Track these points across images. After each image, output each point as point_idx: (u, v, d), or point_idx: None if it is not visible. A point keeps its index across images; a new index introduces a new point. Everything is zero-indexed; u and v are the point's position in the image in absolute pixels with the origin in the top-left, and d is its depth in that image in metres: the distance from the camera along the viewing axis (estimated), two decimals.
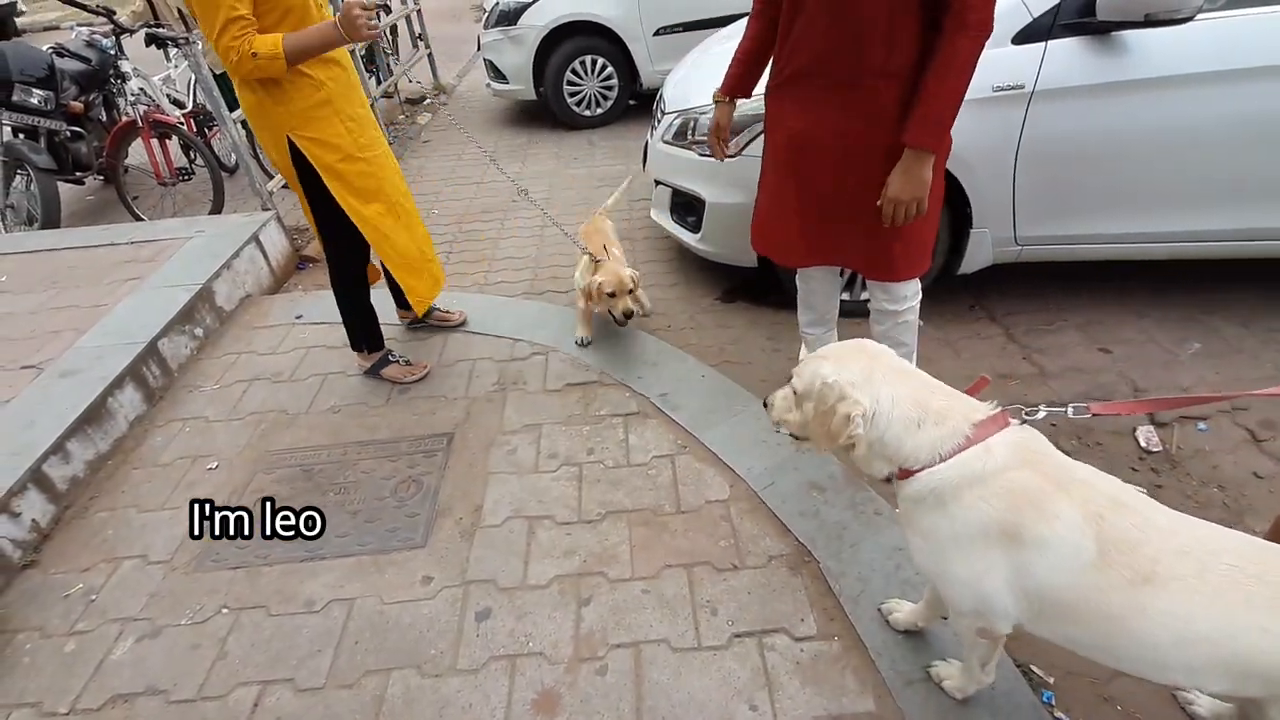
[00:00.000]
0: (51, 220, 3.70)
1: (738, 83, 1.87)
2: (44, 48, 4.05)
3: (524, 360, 2.50)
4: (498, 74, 5.24)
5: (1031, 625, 1.09)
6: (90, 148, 4.09)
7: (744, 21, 1.90)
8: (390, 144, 5.07)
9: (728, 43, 2.67)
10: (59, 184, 3.90)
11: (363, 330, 2.39)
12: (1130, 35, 2.14)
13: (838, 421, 1.10)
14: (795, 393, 1.21)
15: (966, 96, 1.60)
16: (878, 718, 1.36)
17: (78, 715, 1.48)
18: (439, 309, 2.73)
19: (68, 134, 3.99)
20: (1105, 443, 2.15)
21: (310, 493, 1.99)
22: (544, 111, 5.36)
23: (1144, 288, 2.72)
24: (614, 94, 5.17)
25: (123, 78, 4.16)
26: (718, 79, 1.96)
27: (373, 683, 1.49)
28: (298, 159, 1.99)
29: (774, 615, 1.57)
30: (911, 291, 1.87)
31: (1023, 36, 2.22)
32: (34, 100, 3.80)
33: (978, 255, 2.55)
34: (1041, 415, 1.11)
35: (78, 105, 3.99)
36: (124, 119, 3.95)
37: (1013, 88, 2.23)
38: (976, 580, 1.08)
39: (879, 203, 1.63)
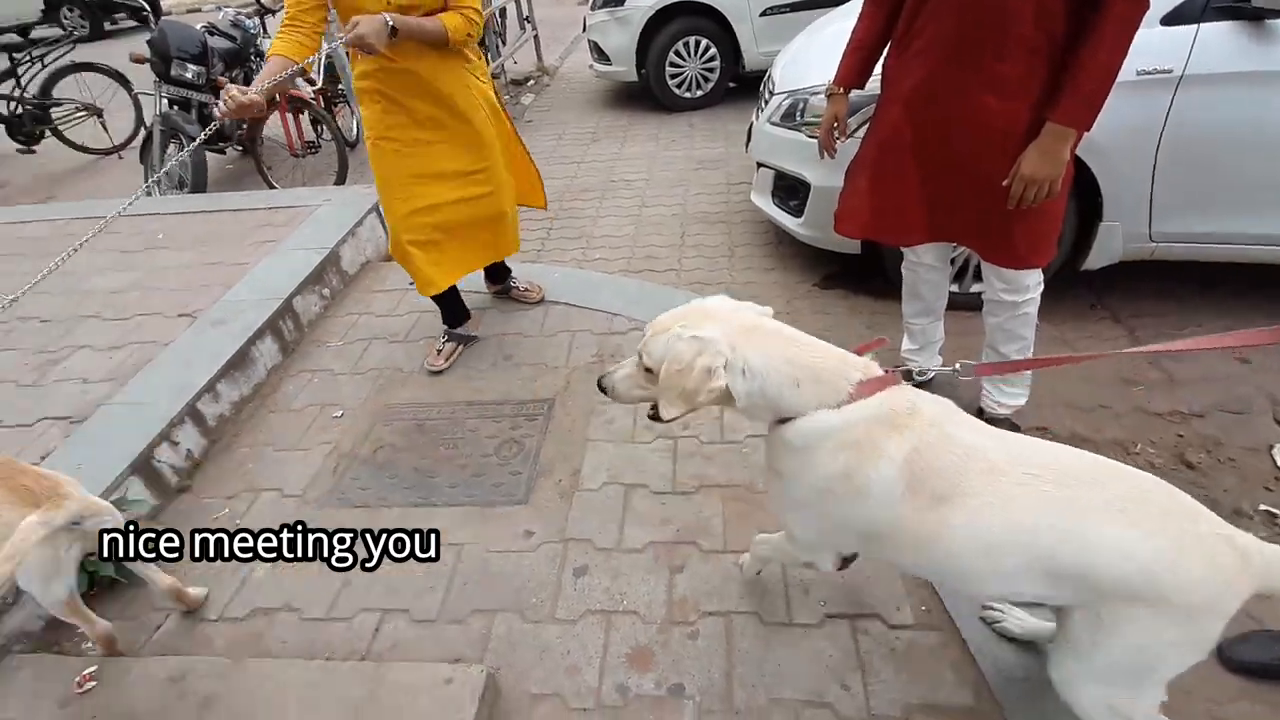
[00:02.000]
0: (199, 185, 4.08)
1: (853, 73, 1.82)
2: (196, 26, 4.43)
3: (622, 335, 2.56)
4: (601, 55, 5.31)
5: (864, 553, 1.24)
6: (233, 121, 4.46)
7: (857, 2, 1.85)
8: None
9: (842, 21, 2.60)
10: (206, 153, 4.28)
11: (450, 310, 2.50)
12: None
13: (697, 376, 1.07)
14: (644, 366, 1.17)
15: None
16: (976, 712, 1.34)
17: (225, 623, 1.67)
18: (516, 286, 2.79)
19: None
20: (1238, 459, 1.99)
21: (423, 445, 2.14)
22: (644, 93, 5.40)
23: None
24: (715, 76, 5.14)
25: (263, 56, 4.50)
26: (830, 59, 1.92)
27: (479, 622, 1.60)
28: None
29: (868, 601, 1.57)
30: (1034, 281, 1.79)
31: (1173, 18, 2.07)
32: (188, 75, 4.19)
33: (1106, 250, 2.40)
34: (930, 376, 1.19)
35: (224, 80, 4.35)
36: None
37: (1160, 72, 2.08)
38: (820, 524, 1.19)
39: (1006, 181, 1.57)
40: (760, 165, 3.06)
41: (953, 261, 2.30)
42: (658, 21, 4.92)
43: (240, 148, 4.68)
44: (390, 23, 1.88)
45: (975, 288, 2.52)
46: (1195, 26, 2.06)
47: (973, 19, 1.49)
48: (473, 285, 2.71)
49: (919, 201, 1.75)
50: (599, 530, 1.80)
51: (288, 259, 2.89)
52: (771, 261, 3.17)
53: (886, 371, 1.12)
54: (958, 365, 1.24)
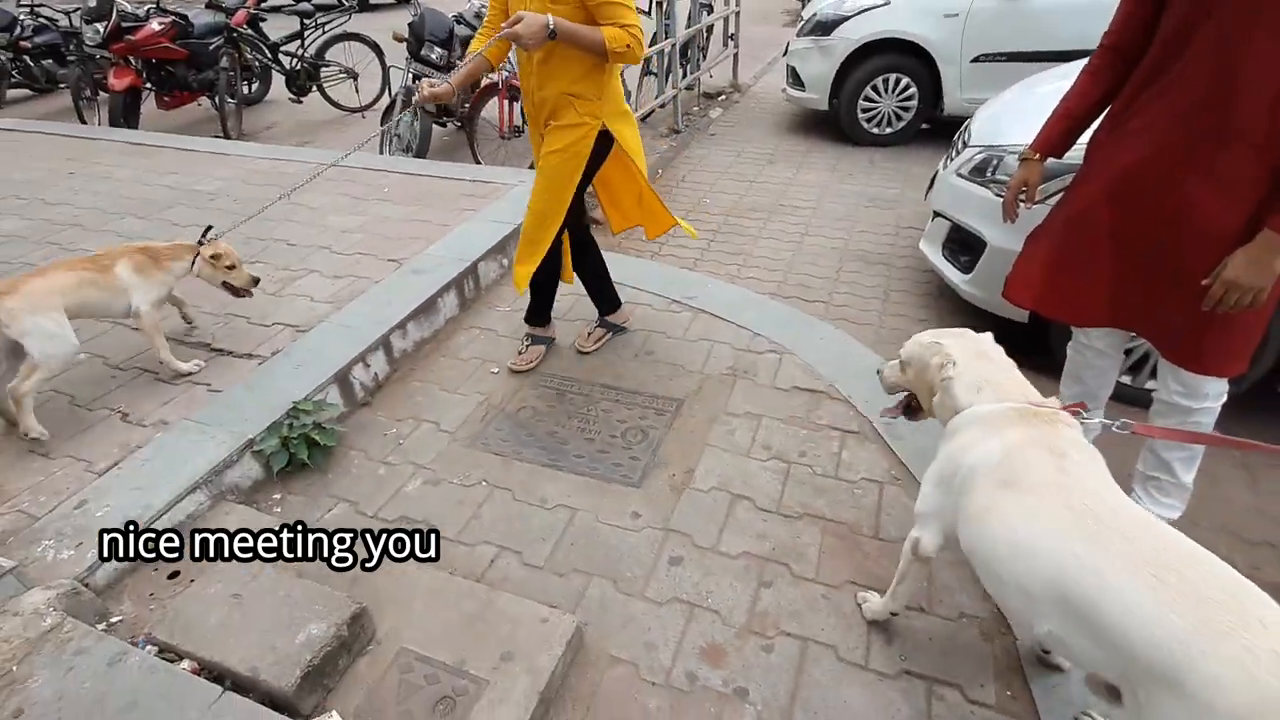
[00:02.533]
0: (422, 151, 4.70)
1: (1054, 141, 1.75)
2: (449, 15, 5.08)
3: (759, 354, 2.65)
4: (797, 81, 5.37)
5: (950, 525, 1.34)
6: (458, 99, 5.07)
7: (1077, 65, 1.78)
8: (681, 132, 5.50)
9: (1057, 82, 2.48)
10: (432, 125, 4.91)
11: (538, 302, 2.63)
12: None
13: (932, 370, 1.45)
14: (901, 361, 1.58)
15: None
16: None
17: (378, 521, 1.98)
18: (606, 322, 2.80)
19: None
20: None
21: (560, 414, 2.37)
22: (828, 122, 5.39)
23: None
24: (909, 115, 5.02)
25: None
26: (1035, 120, 1.87)
27: (578, 580, 1.78)
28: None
29: (951, 669, 1.55)
30: (1215, 391, 1.65)
31: None
32: (434, 56, 4.82)
33: None
34: (1094, 423, 1.33)
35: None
36: (488, 81, 4.83)
37: None
38: (938, 490, 1.38)
39: (1206, 281, 1.47)
40: (936, 214, 2.99)
41: (1129, 353, 2.15)
42: (861, 54, 4.90)
43: (459, 124, 5.30)
44: (551, 25, 1.91)
45: (1150, 384, 2.32)
46: None
47: (1198, 105, 1.41)
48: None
49: (1104, 285, 1.67)
50: (700, 528, 1.91)
51: (480, 227, 3.28)
52: (926, 314, 3.09)
53: (1061, 406, 1.31)
54: (1119, 422, 1.33)
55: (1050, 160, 1.83)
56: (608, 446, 2.22)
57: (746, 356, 2.64)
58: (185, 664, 1.41)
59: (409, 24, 4.88)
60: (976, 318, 2.91)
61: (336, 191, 3.88)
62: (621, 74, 5.25)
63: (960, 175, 2.82)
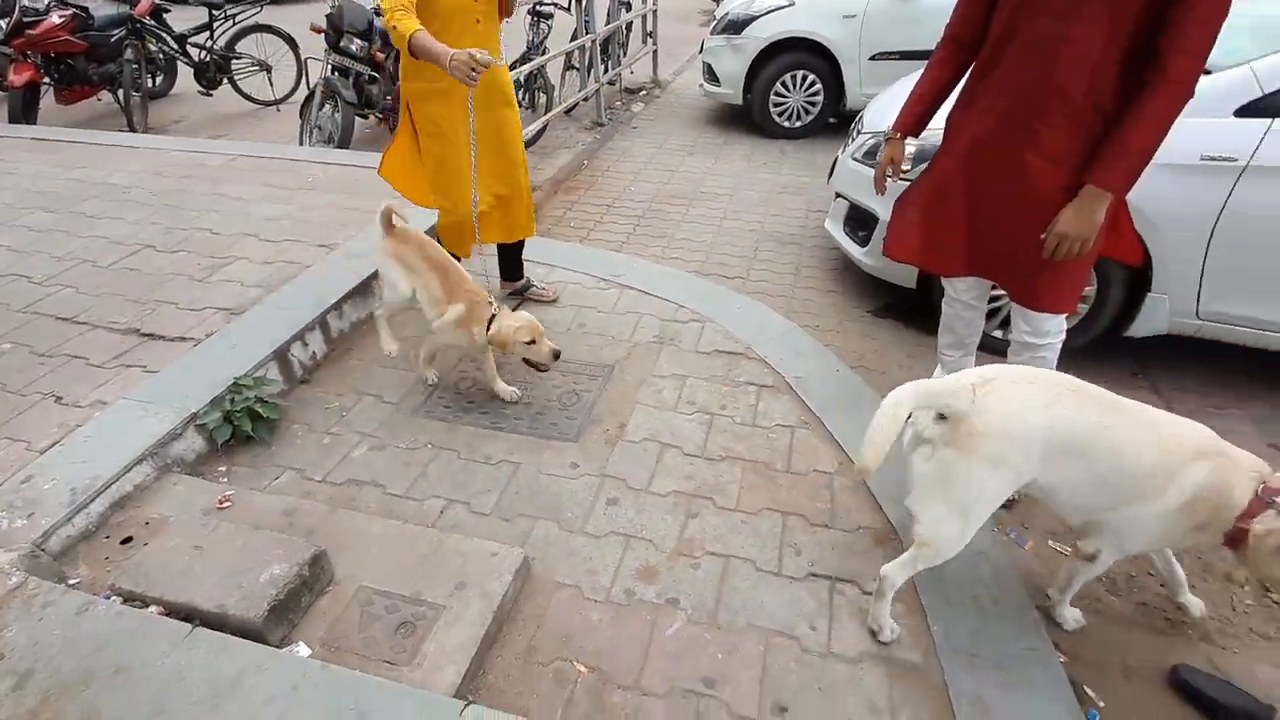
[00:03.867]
0: (345, 143, 4.69)
1: (911, 122, 2.02)
2: (368, 5, 5.08)
3: (683, 324, 2.87)
4: (712, 77, 5.66)
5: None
6: (380, 91, 5.07)
7: None
8: (605, 125, 5.68)
9: None
10: (355, 116, 4.90)
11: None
12: None
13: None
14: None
15: (1171, 160, 1.63)
16: (919, 669, 1.57)
17: (327, 485, 2.08)
18: (536, 285, 3.05)
19: (368, 78, 4.99)
20: None
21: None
22: (744, 116, 5.71)
23: None
24: (817, 109, 5.39)
25: None
26: None
27: (524, 522, 1.94)
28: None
29: (850, 569, 1.81)
30: (1054, 328, 1.98)
31: (1247, 111, 2.20)
32: (354, 47, 4.81)
33: (1151, 320, 2.53)
34: None
35: (380, 56, 4.97)
36: None
37: (1224, 159, 2.21)
38: None
39: (1044, 235, 1.77)
40: (838, 195, 3.31)
41: (994, 313, 2.49)
42: (770, 52, 5.23)
43: (380, 116, 5.29)
44: None
45: (997, 332, 2.69)
46: (1269, 121, 2.19)
47: (1027, 87, 1.72)
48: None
49: (962, 240, 1.98)
50: (632, 473, 2.11)
51: (416, 211, 3.35)
52: (833, 285, 3.41)
53: None
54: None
55: (926, 140, 2.12)
56: (545, 409, 2.38)
57: (671, 326, 2.86)
58: (152, 609, 1.48)
59: (327, 15, 4.85)
60: (874, 287, 3.25)
61: (260, 182, 3.85)
62: (544, 68, 5.35)
63: (855, 159, 3.14)
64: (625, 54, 6.91)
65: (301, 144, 4.81)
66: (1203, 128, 2.21)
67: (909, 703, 1.50)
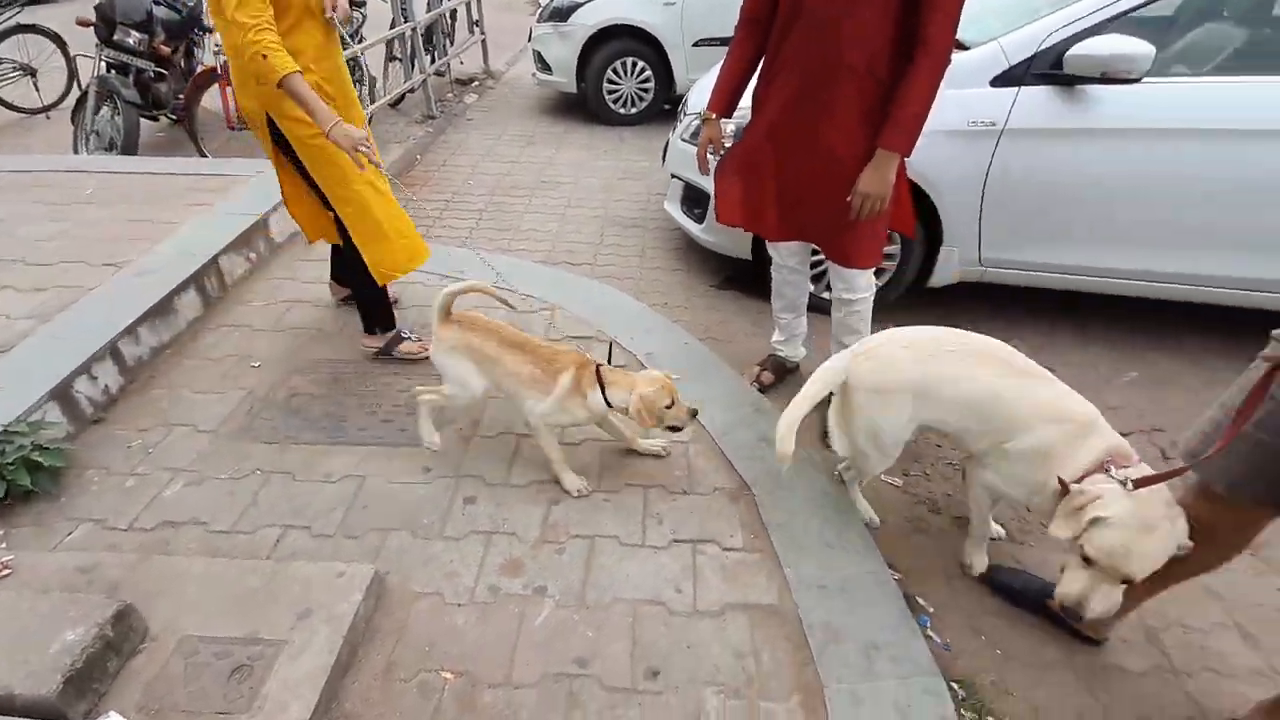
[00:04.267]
0: (130, 148, 4.11)
1: (722, 102, 2.11)
2: None
3: (533, 313, 2.83)
4: (544, 65, 5.61)
5: None
6: (169, 89, 4.50)
7: None
8: (436, 118, 5.46)
9: None
10: (139, 118, 4.31)
11: (385, 309, 2.52)
12: (1092, 89, 2.44)
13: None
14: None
15: (945, 126, 1.83)
16: (776, 609, 1.67)
17: (134, 532, 1.82)
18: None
19: (152, 74, 4.41)
20: None
21: (337, 394, 2.33)
22: (582, 105, 5.72)
23: (1099, 319, 3.00)
24: (649, 96, 5.52)
25: (206, 30, 4.56)
26: None
27: (374, 537, 1.82)
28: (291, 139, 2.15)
29: (709, 530, 1.88)
30: (865, 283, 2.17)
31: (1000, 80, 2.53)
32: (130, 41, 4.22)
33: (945, 271, 2.85)
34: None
35: (165, 49, 4.41)
36: (205, 67, 4.36)
37: (986, 124, 2.53)
38: None
39: (849, 198, 1.93)
40: (673, 176, 3.41)
41: (815, 268, 2.68)
42: (599, 39, 5.27)
43: (174, 117, 4.71)
44: None
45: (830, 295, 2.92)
46: (1017, 89, 2.54)
47: (817, 61, 1.86)
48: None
49: (777, 205, 2.11)
50: (490, 469, 2.05)
51: (217, 221, 3.03)
52: (677, 264, 3.52)
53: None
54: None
55: (742, 118, 2.21)
56: (391, 416, 2.25)
57: (521, 317, 2.81)
58: None
59: (95, 6, 4.22)
60: (715, 262, 3.40)
61: (25, 200, 3.29)
62: (362, 59, 5.02)
63: (684, 140, 3.25)
64: (452, 43, 6.66)
65: (77, 152, 4.18)
66: (967, 97, 2.52)
67: (769, 642, 1.59)
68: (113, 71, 4.24)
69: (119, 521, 1.85)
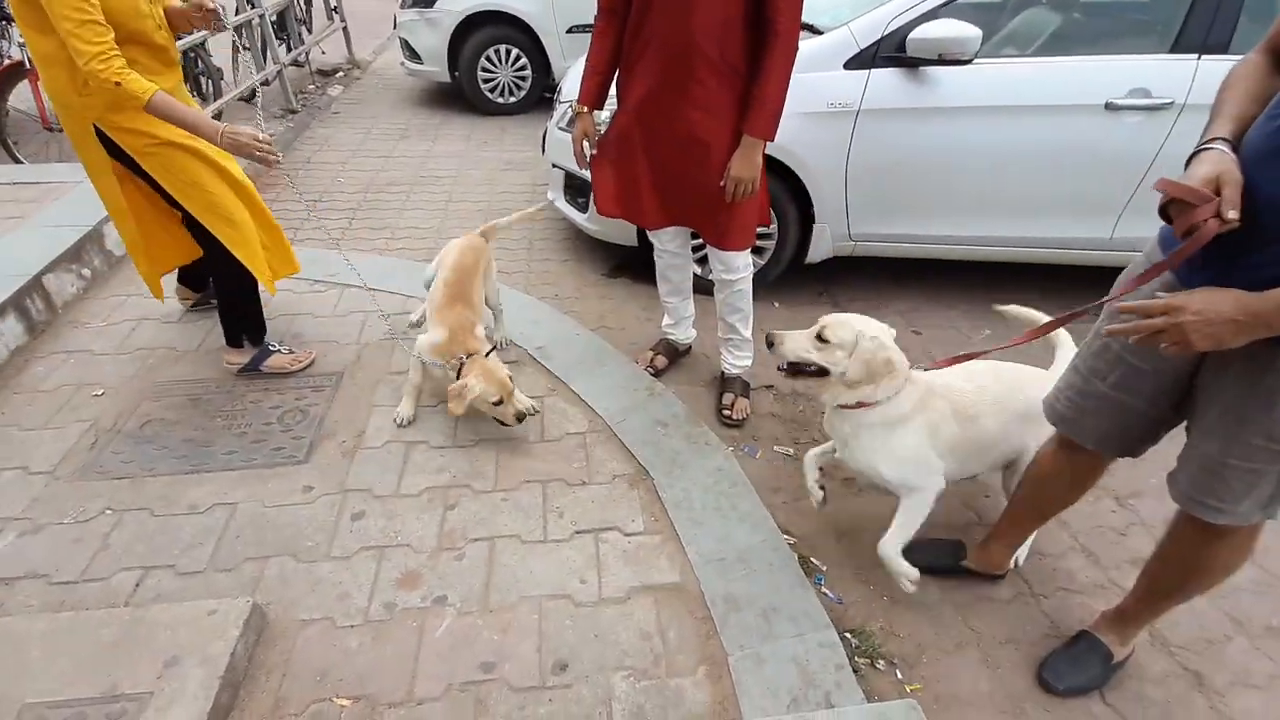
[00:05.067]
0: None
1: (592, 95, 2.10)
2: None
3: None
4: (413, 54, 5.35)
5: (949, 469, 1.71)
6: None
7: None
8: (298, 112, 5.10)
9: None
10: None
11: (252, 321, 2.35)
12: (931, 70, 2.62)
13: (882, 364, 1.57)
14: (820, 339, 1.61)
15: (808, 109, 1.88)
16: (680, 587, 1.70)
17: None
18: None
19: None
20: None
21: (197, 418, 2.13)
22: (458, 94, 5.52)
23: (956, 284, 3.27)
24: (527, 84, 5.41)
25: (7, 19, 3.98)
26: None
27: (251, 567, 1.69)
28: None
29: (610, 518, 1.89)
30: (743, 264, 2.24)
31: (852, 64, 2.67)
32: None
33: (820, 247, 3.00)
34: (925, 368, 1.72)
35: None
36: (11, 61, 3.81)
37: (843, 105, 2.67)
38: (921, 452, 1.67)
39: (722, 182, 1.98)
40: (554, 166, 3.36)
41: (697, 251, 2.74)
42: (469, 26, 5.09)
43: None
44: None
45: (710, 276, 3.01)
46: (868, 71, 2.69)
47: (673, 50, 1.88)
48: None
49: (652, 193, 2.13)
50: (378, 480, 1.95)
51: (37, 236, 2.67)
52: (566, 254, 3.48)
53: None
54: (923, 366, 1.72)
55: (613, 109, 2.20)
56: (263, 435, 2.09)
57: (403, 319, 2.69)
58: None
59: None
60: (604, 250, 3.39)
61: None
62: (204, 50, 4.58)
63: (561, 128, 3.20)
64: (310, 31, 6.21)
65: None
66: (824, 80, 2.64)
67: (674, 620, 1.62)
68: None
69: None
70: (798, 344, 1.66)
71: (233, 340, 2.33)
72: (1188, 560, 1.41)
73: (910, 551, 1.93)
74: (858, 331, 1.59)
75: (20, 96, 3.90)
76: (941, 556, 1.89)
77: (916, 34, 2.51)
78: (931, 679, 1.62)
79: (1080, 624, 1.71)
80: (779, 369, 1.70)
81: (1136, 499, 2.14)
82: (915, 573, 1.68)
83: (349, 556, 1.73)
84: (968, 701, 1.58)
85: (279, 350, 2.39)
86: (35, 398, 2.18)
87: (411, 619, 1.59)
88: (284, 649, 1.51)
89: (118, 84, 1.75)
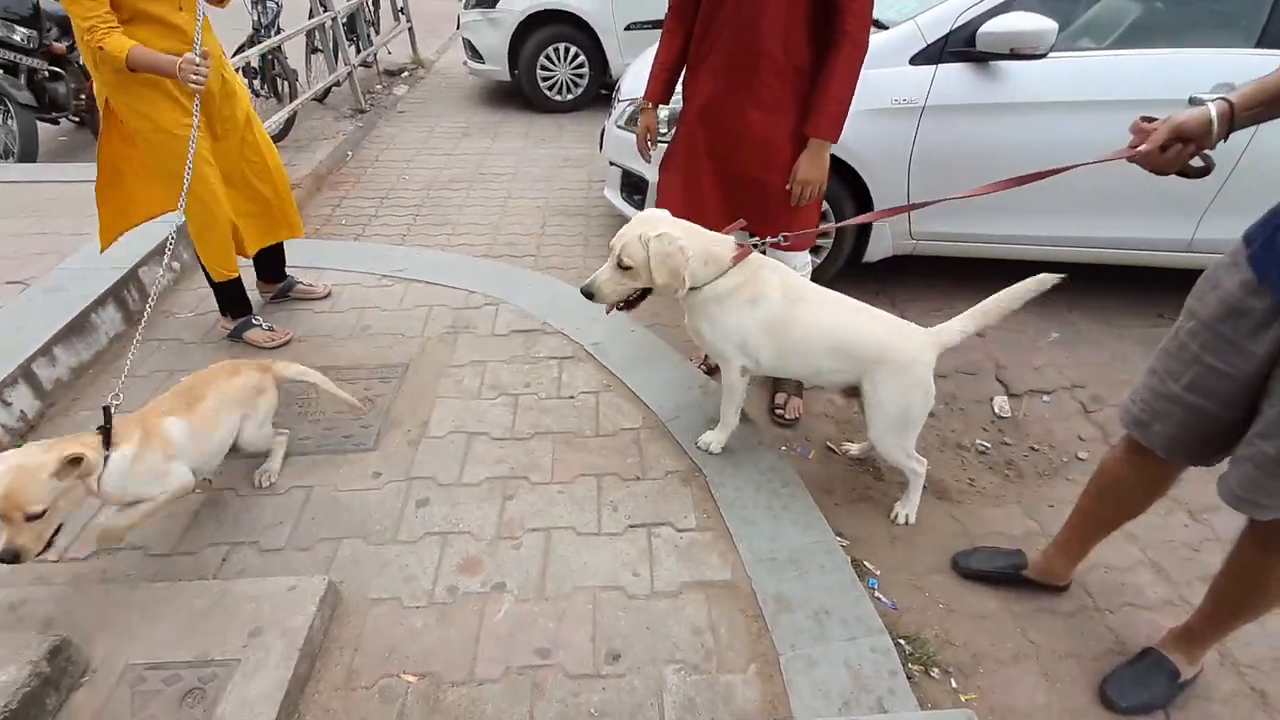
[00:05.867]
0: (28, 155, 3.84)
1: (658, 90, 2.14)
2: None
3: (476, 309, 2.80)
4: (475, 53, 5.48)
5: (758, 348, 1.85)
6: (68, 89, 4.22)
7: None
8: (366, 111, 5.29)
9: None
10: (36, 121, 4.03)
11: (236, 298, 2.53)
12: (1003, 65, 2.54)
13: (678, 260, 1.70)
14: (622, 266, 1.76)
15: (870, 106, 1.89)
16: (731, 584, 1.72)
17: (63, 564, 1.74)
18: (301, 283, 2.84)
19: (47, 74, 4.12)
20: (967, 408, 2.56)
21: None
22: (517, 92, 5.63)
23: None
24: (585, 82, 5.47)
25: None
26: None
27: (325, 547, 1.79)
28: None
29: (663, 513, 1.92)
30: (801, 262, 2.23)
31: (919, 59, 2.61)
32: (17, 38, 3.92)
33: (879, 246, 2.95)
34: (755, 240, 1.90)
35: (60, 47, 4.12)
36: None
37: (908, 102, 2.62)
38: (739, 330, 1.82)
39: (788, 185, 1.98)
40: (611, 164, 3.41)
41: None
42: (530, 25, 5.18)
43: (77, 119, 4.42)
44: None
45: None
46: (935, 67, 2.62)
47: (739, 52, 1.88)
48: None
49: (716, 195, 2.14)
50: (442, 470, 2.04)
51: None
52: None
53: (740, 246, 1.81)
54: (781, 236, 1.89)
55: (675, 105, 2.23)
56: (334, 423, 2.20)
57: (464, 314, 2.78)
58: None
59: None
60: None
61: None
62: (280, 53, 4.82)
63: (620, 126, 3.24)
64: (378, 32, 6.43)
65: None
66: (889, 77, 2.59)
67: (725, 617, 1.64)
68: (1, 72, 3.93)
69: (48, 552, 1.75)
70: (610, 284, 1.80)
71: (221, 309, 2.57)
72: (1253, 576, 1.35)
73: (970, 559, 1.90)
74: (645, 240, 1.70)
75: None
76: (1001, 565, 1.85)
77: (989, 28, 2.44)
78: (987, 690, 1.59)
79: (1147, 640, 1.66)
80: (608, 314, 1.90)
81: (1211, 513, 2.05)
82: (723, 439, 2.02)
83: (414, 541, 1.82)
84: (1025, 714, 1.55)
85: (259, 325, 2.58)
86: (131, 383, 2.34)
87: (472, 603, 1.66)
88: (356, 625, 1.60)
89: (100, 48, 1.91)
